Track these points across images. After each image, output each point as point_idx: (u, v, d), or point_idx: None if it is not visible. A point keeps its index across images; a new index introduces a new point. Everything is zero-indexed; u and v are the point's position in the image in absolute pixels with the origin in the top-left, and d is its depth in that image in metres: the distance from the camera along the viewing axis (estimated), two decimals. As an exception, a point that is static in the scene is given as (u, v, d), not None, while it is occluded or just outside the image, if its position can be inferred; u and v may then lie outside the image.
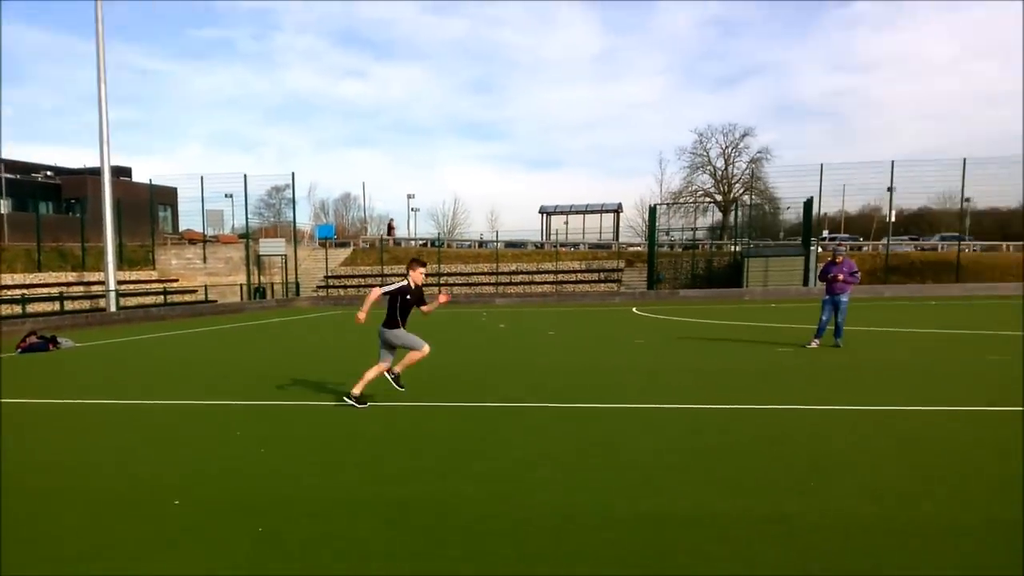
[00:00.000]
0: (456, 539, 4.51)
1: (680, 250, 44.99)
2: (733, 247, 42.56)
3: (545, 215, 56.34)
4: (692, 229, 50.23)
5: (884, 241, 41.74)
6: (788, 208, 45.72)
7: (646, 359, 13.06)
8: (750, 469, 5.92)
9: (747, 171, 63.84)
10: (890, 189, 36.93)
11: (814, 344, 13.85)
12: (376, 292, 8.61)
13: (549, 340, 17.01)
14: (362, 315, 8.64)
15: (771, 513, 4.85)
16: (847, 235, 57.96)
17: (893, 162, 34.64)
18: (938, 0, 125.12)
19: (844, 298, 13.78)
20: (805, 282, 34.03)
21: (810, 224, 37.17)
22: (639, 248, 47.90)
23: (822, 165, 35.06)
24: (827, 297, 13.92)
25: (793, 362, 12.17)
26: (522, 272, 42.48)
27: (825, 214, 60.72)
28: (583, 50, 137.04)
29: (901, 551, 4.18)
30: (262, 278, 40.81)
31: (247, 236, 41.29)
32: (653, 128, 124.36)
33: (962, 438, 6.83)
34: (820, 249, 36.91)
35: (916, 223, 69.81)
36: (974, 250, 45.00)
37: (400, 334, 8.77)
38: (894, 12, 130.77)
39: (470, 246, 53.40)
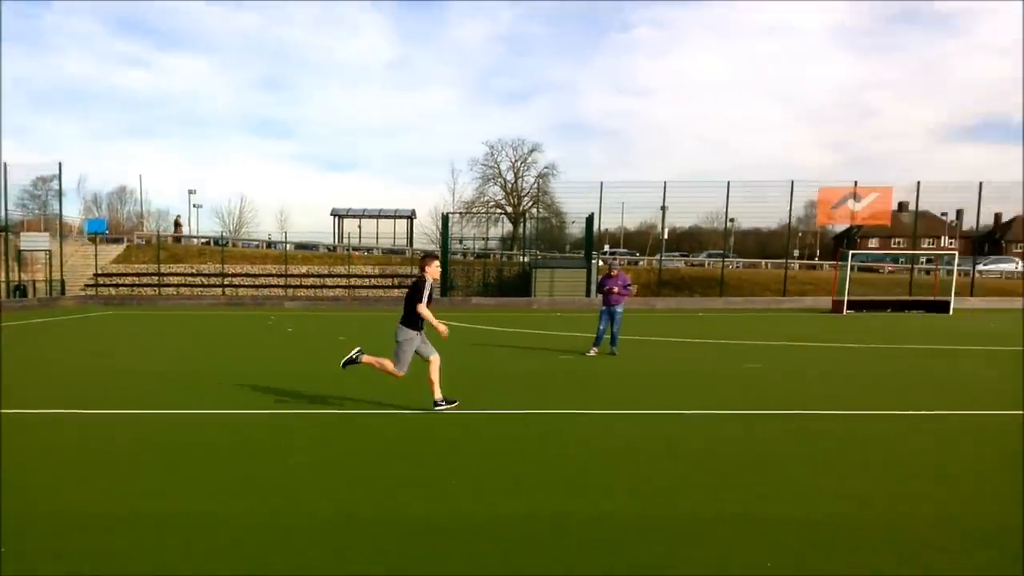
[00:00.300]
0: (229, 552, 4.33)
1: (473, 258, 45.80)
2: (522, 258, 43.94)
3: (337, 218, 55.27)
4: (484, 239, 51.34)
5: (658, 256, 44.70)
6: (573, 222, 47.82)
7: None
8: (524, 472, 6.14)
9: (535, 185, 66.32)
10: (663, 208, 39.63)
11: (592, 352, 14.56)
12: (425, 294, 8.36)
13: (340, 344, 16.69)
14: (443, 326, 8.39)
15: (543, 514, 5.05)
16: (626, 250, 61.60)
17: (666, 183, 37.26)
18: (709, 31, 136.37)
19: (619, 309, 14.62)
20: (588, 293, 35.72)
21: (591, 239, 39.11)
22: (433, 255, 48.08)
23: (602, 183, 37.08)
24: (604, 308, 14.71)
25: (573, 368, 12.74)
26: (313, 275, 41.43)
27: (606, 230, 64.20)
28: (376, 55, 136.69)
29: (660, 546, 4.50)
30: (23, 275, 36.98)
31: (6, 229, 37.26)
32: (447, 138, 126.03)
33: (722, 438, 7.45)
34: (600, 262, 38.93)
35: (687, 240, 75.52)
36: (737, 267, 49.27)
37: (405, 349, 8.43)
38: (668, 41, 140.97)
39: (258, 246, 51.34)
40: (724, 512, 5.12)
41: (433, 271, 8.64)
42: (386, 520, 4.93)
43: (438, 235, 51.32)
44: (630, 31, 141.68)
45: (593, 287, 35.66)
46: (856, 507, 5.23)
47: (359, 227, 56.08)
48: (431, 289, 8.53)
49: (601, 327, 14.68)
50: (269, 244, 51.15)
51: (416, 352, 8.55)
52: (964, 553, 4.40)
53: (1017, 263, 60.78)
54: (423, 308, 8.33)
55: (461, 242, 48.47)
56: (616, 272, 14.81)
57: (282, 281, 40.35)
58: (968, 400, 9.60)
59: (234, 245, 50.80)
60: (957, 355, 14.87)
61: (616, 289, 14.50)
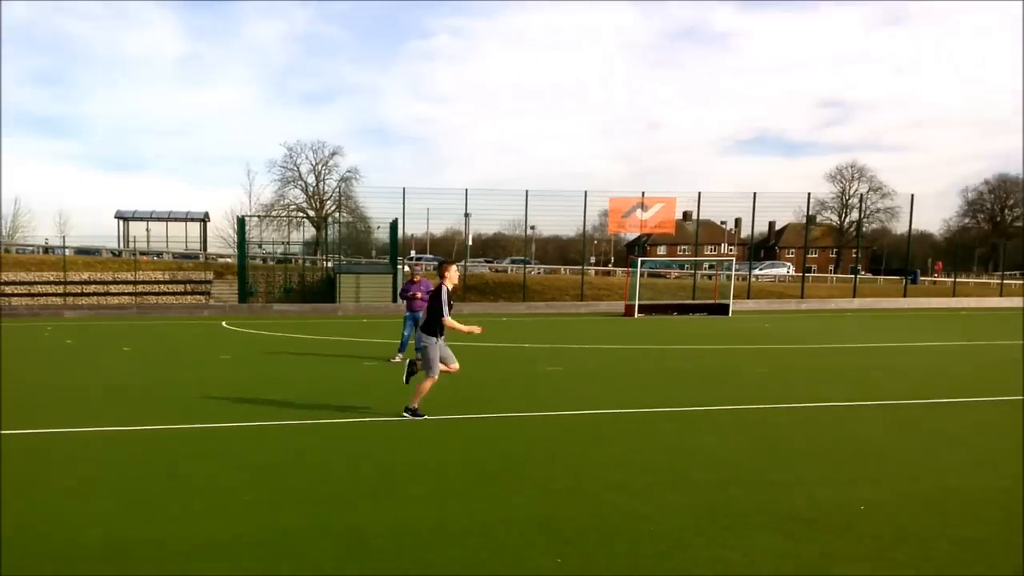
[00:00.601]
0: None
1: (274, 263, 44.26)
2: (326, 263, 43.02)
3: (123, 221, 51.62)
4: (285, 243, 49.76)
5: (463, 262, 45.30)
6: (379, 228, 47.41)
7: (228, 373, 12.64)
8: (323, 482, 6.05)
9: (337, 189, 65.25)
10: (467, 215, 40.22)
11: (397, 359, 14.53)
12: (444, 295, 8.42)
13: (123, 356, 15.61)
14: (476, 328, 8.63)
15: (341, 525, 5.01)
16: (432, 255, 61.88)
17: (467, 190, 37.82)
18: (506, 41, 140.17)
19: (423, 315, 14.65)
20: (395, 299, 35.54)
21: (396, 244, 38.98)
22: (230, 260, 46.14)
23: (404, 189, 37.03)
24: (408, 314, 14.73)
25: (377, 376, 12.66)
26: (95, 282, 38.35)
27: (412, 235, 64.24)
28: (165, 51, 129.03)
29: (460, 549, 4.59)
30: None
31: None
32: (244, 138, 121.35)
33: (515, 440, 7.68)
34: (406, 268, 38.89)
35: (492, 247, 77.12)
36: (538, 272, 50.84)
37: (431, 354, 8.47)
38: (467, 49, 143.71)
39: (34, 251, 46.92)
40: (518, 513, 5.30)
41: (452, 277, 8.68)
42: (151, 544, 4.69)
43: (235, 239, 49.29)
44: (430, 39, 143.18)
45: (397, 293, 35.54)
46: (625, 498, 5.59)
47: (147, 230, 52.63)
48: (448, 295, 8.58)
49: (406, 333, 14.67)
50: (46, 249, 46.90)
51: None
52: (680, 546, 4.82)
53: (789, 267, 67.03)
54: (448, 320, 8.48)
55: (261, 246, 46.73)
56: (419, 278, 14.88)
57: (61, 289, 37.09)
58: (739, 396, 10.47)
59: (7, 251, 46.13)
60: (733, 354, 16.16)
61: (420, 295, 14.55)
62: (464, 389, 10.97)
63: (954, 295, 42.13)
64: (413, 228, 63.83)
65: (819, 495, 5.74)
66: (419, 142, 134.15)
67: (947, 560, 4.41)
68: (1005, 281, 48.68)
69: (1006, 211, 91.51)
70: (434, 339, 8.55)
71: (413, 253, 56.93)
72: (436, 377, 8.61)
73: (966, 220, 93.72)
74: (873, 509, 5.37)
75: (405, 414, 8.75)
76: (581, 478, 6.22)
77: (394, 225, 38.53)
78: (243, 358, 15.46)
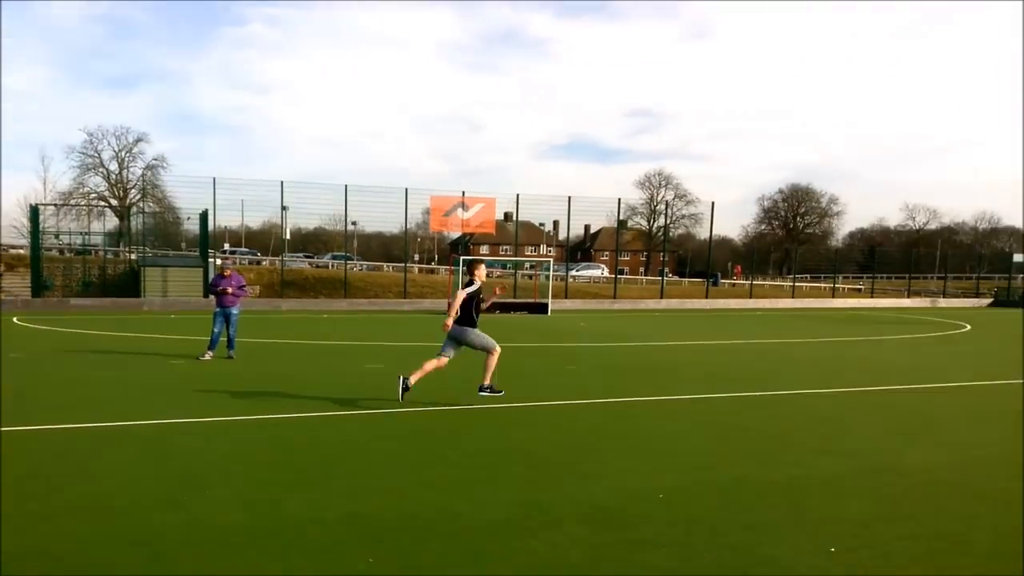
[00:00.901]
0: None
1: (72, 255, 40.94)
2: (130, 255, 40.35)
3: None
4: (85, 234, 46.17)
5: (281, 257, 43.88)
6: (189, 219, 45.11)
7: (17, 372, 11.55)
8: (121, 489, 5.67)
9: (142, 177, 61.60)
10: (284, 208, 38.93)
11: (207, 356, 13.86)
12: (462, 295, 9.15)
13: None
14: (451, 321, 9.15)
15: (137, 535, 4.71)
16: (247, 249, 59.59)
17: (283, 182, 36.49)
18: (323, 34, 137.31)
19: (235, 311, 14.11)
20: (206, 294, 33.85)
21: (207, 236, 37.13)
22: (22, 251, 42.28)
23: (215, 179, 35.21)
24: (218, 310, 14.09)
25: (186, 373, 12.01)
26: None
27: (227, 228, 61.59)
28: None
29: (266, 553, 4.43)
30: None
31: None
32: (38, 122, 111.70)
33: (329, 441, 7.53)
34: (218, 262, 37.16)
35: (313, 242, 75.26)
36: (361, 269, 50.13)
37: (480, 334, 9.29)
38: (284, 40, 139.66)
39: None
40: (329, 513, 5.19)
41: (481, 274, 9.58)
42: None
43: (28, 229, 45.27)
44: (245, 26, 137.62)
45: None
46: (439, 496, 5.63)
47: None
48: (478, 289, 9.36)
49: (216, 330, 14.03)
50: None
51: (457, 341, 9.35)
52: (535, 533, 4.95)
53: (603, 269, 69.90)
54: (461, 294, 9.22)
55: (57, 237, 43.17)
56: (230, 272, 14.27)
57: None
58: (553, 392, 10.80)
59: None
60: (550, 351, 16.64)
61: (231, 290, 13.97)
62: (277, 387, 10.63)
63: (751, 296, 45.54)
64: (227, 220, 61.36)
65: (623, 485, 6.01)
66: (235, 132, 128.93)
67: (737, 543, 4.73)
68: (796, 284, 53.21)
69: (798, 218, 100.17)
70: (474, 328, 9.33)
71: (227, 246, 54.55)
72: (499, 349, 9.42)
73: (762, 227, 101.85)
74: (671, 497, 5.68)
75: (482, 393, 9.45)
76: (395, 477, 6.19)
77: (204, 216, 36.66)
78: (36, 356, 14.20)
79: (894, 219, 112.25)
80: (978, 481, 6.31)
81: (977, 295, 53.54)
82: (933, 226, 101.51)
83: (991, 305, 48.77)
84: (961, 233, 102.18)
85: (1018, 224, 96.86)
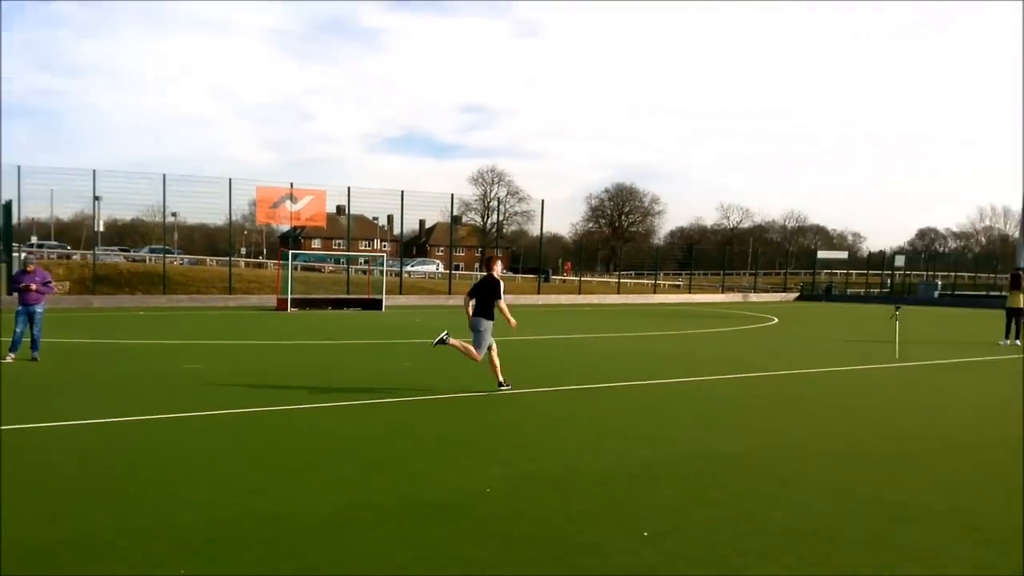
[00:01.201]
0: None
1: None
2: (-86, 248, 36.42)
3: None
4: None
5: (94, 250, 40.99)
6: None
7: None
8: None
9: (-71, 164, 55.87)
10: (96, 198, 36.35)
11: (10, 359, 12.77)
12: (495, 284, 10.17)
13: None
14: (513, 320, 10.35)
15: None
16: (57, 243, 55.19)
17: (95, 171, 34.08)
18: (141, 16, 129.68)
19: (39, 309, 13.11)
20: (9, 291, 31.10)
21: (11, 229, 34.10)
22: None
23: (19, 167, 32.42)
24: (21, 308, 13.04)
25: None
26: None
27: (34, 219, 56.81)
28: None
29: (75, 570, 4.15)
30: None
31: None
32: None
33: (141, 446, 7.13)
34: (23, 256, 34.18)
35: (131, 234, 70.75)
36: (182, 263, 47.67)
37: (483, 333, 9.99)
38: (98, 21, 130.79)
39: None
40: (140, 523, 4.92)
41: (497, 268, 10.43)
42: None
43: None
44: (52, 2, 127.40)
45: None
46: (261, 500, 5.48)
47: None
48: (492, 282, 10.22)
49: (19, 330, 12.96)
50: None
51: (482, 331, 10.07)
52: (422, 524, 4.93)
53: (438, 264, 70.06)
54: (503, 304, 10.10)
55: None
56: (33, 267, 13.26)
57: None
58: (385, 390, 10.76)
59: None
60: (383, 348, 16.52)
61: (35, 287, 12.98)
62: (84, 391, 9.96)
63: (580, 292, 47.11)
64: (34, 211, 56.59)
65: (451, 481, 6.07)
66: (42, 116, 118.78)
67: (559, 532, 4.89)
68: (621, 280, 55.51)
69: (623, 217, 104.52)
70: (490, 323, 10.08)
71: (35, 239, 50.27)
72: (479, 357, 10.04)
73: (590, 225, 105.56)
74: (498, 490, 5.80)
75: (502, 389, 10.25)
76: (214, 483, 5.95)
77: (8, 207, 33.63)
78: None
79: (711, 218, 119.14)
80: (778, 466, 6.84)
81: (785, 290, 57.87)
82: (746, 224, 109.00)
83: (797, 299, 53.00)
84: (771, 231, 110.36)
85: (822, 223, 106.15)
